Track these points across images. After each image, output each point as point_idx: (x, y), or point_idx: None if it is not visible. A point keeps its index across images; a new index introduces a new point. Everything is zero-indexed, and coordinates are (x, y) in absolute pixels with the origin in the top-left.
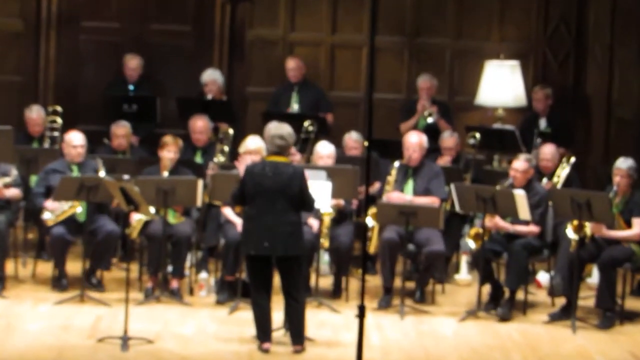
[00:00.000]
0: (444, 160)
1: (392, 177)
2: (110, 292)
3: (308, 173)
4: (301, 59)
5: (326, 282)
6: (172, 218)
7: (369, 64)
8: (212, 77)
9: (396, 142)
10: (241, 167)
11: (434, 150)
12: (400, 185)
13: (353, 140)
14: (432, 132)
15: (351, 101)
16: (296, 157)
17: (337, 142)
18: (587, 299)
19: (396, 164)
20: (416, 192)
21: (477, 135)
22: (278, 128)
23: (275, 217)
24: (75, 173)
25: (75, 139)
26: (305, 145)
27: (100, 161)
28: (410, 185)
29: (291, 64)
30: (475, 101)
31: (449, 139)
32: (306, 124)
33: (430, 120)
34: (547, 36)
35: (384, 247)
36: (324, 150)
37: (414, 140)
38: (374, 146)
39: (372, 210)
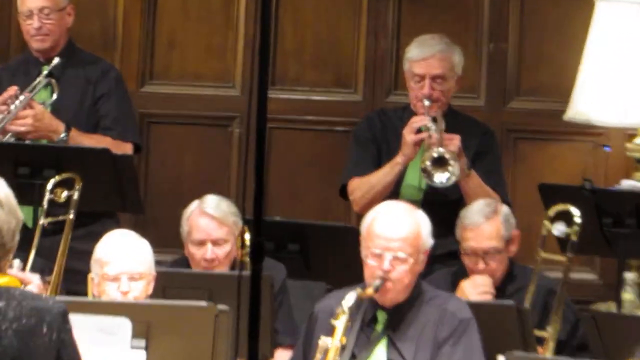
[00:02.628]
0: (479, 289)
1: (332, 339)
2: None
3: (80, 322)
4: None
5: None
6: None
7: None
8: None
9: (339, 230)
10: None
11: (446, 255)
12: None
13: (211, 222)
14: (443, 207)
15: (205, 110)
16: (33, 280)
17: (162, 231)
18: None
19: (347, 299)
20: None
21: (574, 212)
22: None
23: None
24: None
25: None
26: (57, 235)
27: None
28: None
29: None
30: (568, 114)
31: (487, 223)
32: (53, 181)
33: (439, 178)
34: None
35: None
36: (121, 255)
37: (396, 232)
38: (276, 243)
39: None
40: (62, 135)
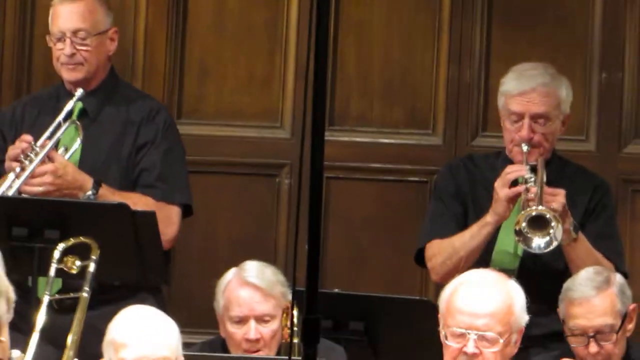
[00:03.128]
0: None
1: None
2: None
3: None
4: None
5: None
6: None
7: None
8: None
9: (413, 304)
10: None
11: (547, 336)
12: None
13: (255, 293)
14: (544, 278)
15: (247, 156)
16: None
17: (191, 307)
18: None
19: None
20: None
21: None
22: None
23: None
24: None
25: None
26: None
27: None
28: None
29: (68, 17)
30: None
31: (599, 296)
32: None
33: (538, 243)
34: None
35: None
36: (141, 337)
37: (482, 306)
38: (335, 321)
39: None
40: (89, 192)
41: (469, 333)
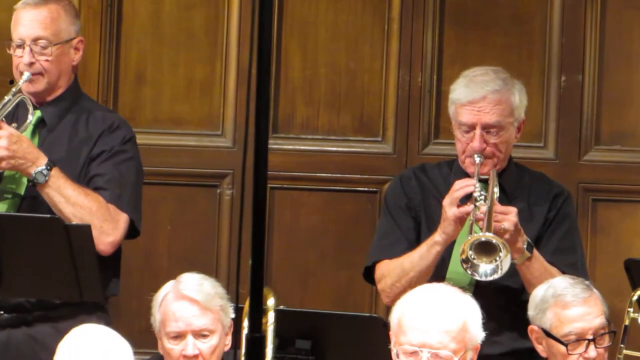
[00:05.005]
0: None
1: None
2: None
3: None
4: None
5: None
6: None
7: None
8: None
9: (362, 321)
10: None
11: (506, 355)
12: None
13: (192, 307)
14: (502, 295)
15: (186, 165)
16: None
17: (130, 324)
18: None
19: None
20: None
21: None
22: None
23: None
24: None
25: None
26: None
27: None
28: None
29: (28, 24)
30: None
31: (591, 297)
32: None
33: (484, 270)
34: None
35: None
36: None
37: (436, 323)
38: (280, 339)
39: None
40: (42, 167)
41: (421, 351)
